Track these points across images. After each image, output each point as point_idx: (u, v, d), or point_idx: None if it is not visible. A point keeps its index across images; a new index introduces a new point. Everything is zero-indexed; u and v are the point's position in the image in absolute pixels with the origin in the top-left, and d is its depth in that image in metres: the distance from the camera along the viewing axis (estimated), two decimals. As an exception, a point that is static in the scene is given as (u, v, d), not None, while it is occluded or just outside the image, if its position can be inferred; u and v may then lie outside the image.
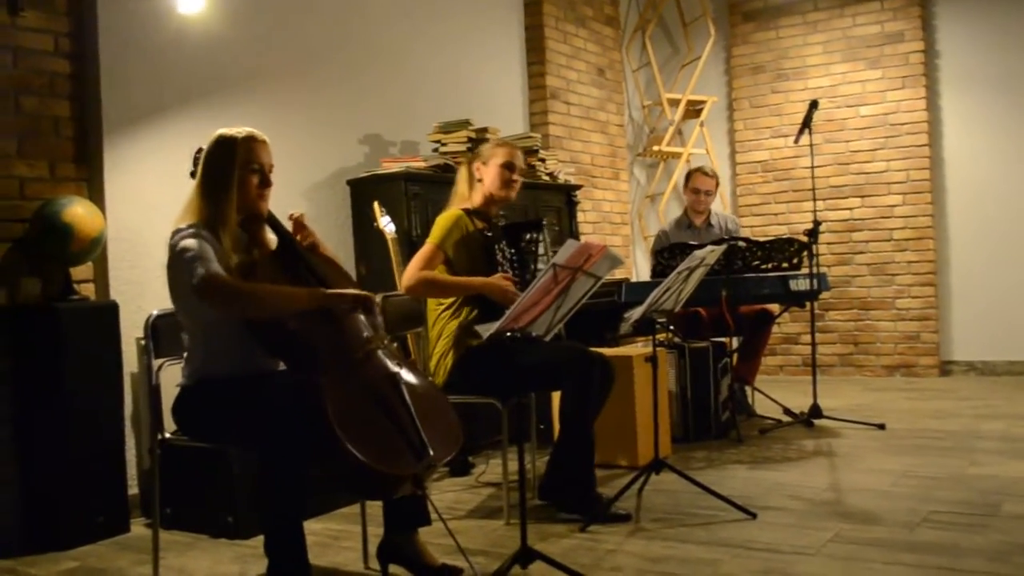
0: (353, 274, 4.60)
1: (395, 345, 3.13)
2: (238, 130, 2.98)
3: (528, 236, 3.96)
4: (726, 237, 5.40)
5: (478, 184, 3.96)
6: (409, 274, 3.74)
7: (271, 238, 3.04)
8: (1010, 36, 7.06)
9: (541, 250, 3.94)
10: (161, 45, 4.32)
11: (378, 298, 3.99)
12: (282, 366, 3.01)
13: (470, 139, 5.29)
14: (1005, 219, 7.11)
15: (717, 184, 6.18)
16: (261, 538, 3.52)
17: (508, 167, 3.93)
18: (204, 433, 3.00)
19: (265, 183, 2.99)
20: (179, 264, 2.81)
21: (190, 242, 2.79)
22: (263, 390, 2.81)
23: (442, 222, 3.84)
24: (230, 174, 2.92)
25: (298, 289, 2.86)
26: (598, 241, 3.05)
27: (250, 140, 2.97)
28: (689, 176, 6.16)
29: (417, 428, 2.70)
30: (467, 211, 3.90)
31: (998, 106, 7.13)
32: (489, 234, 3.85)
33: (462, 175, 4.05)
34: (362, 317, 2.97)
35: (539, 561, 2.96)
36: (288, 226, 3.05)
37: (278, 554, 2.66)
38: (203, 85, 4.51)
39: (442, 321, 3.85)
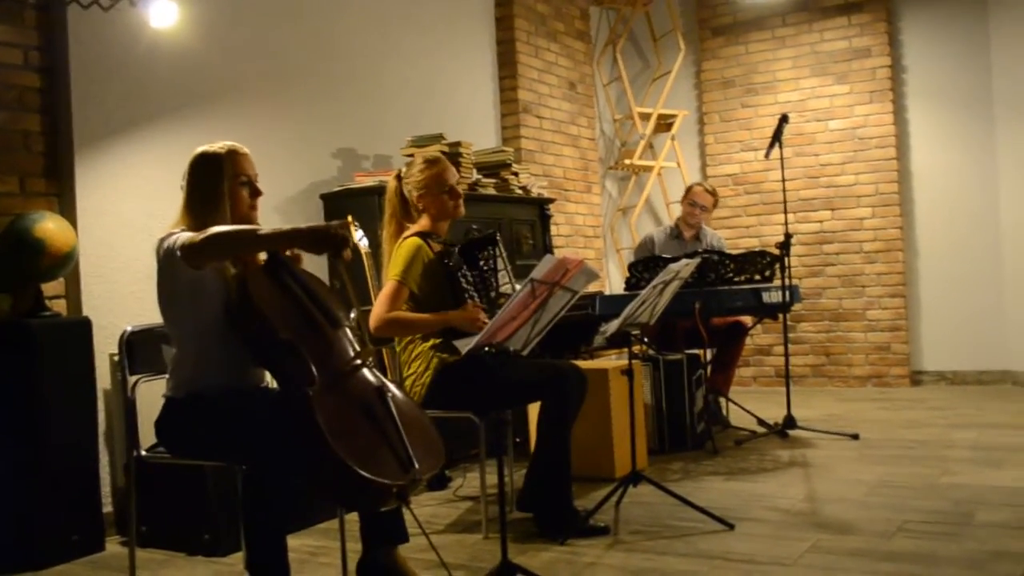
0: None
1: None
2: (220, 145, 3.00)
3: (484, 253, 3.82)
4: (701, 251, 5.43)
5: (423, 213, 3.84)
6: (376, 315, 3.63)
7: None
8: (974, 51, 7.17)
9: (499, 265, 3.84)
10: (133, 59, 4.30)
11: (353, 312, 4.01)
12: (268, 381, 3.00)
13: (443, 153, 5.29)
14: (972, 231, 7.21)
15: (715, 203, 6.23)
16: (237, 555, 3.54)
17: (450, 193, 3.83)
18: (189, 447, 2.96)
19: (255, 193, 3.01)
20: (170, 265, 2.79)
21: (175, 236, 2.79)
22: (252, 404, 2.80)
23: (403, 255, 3.71)
24: (219, 190, 2.93)
25: (265, 229, 2.85)
26: (573, 255, 3.05)
27: (234, 154, 2.99)
28: (689, 189, 6.24)
29: (404, 441, 2.71)
30: (423, 236, 3.78)
31: (964, 120, 7.24)
32: (450, 263, 3.71)
33: (392, 200, 3.88)
34: (349, 334, 2.98)
35: (520, 575, 2.95)
36: None
37: (261, 569, 2.64)
38: (176, 99, 4.48)
39: (413, 344, 3.79)
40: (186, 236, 2.74)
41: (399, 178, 3.91)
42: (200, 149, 3.01)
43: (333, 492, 2.77)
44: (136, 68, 4.31)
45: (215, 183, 2.93)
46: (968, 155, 7.23)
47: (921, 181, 7.42)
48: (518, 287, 2.94)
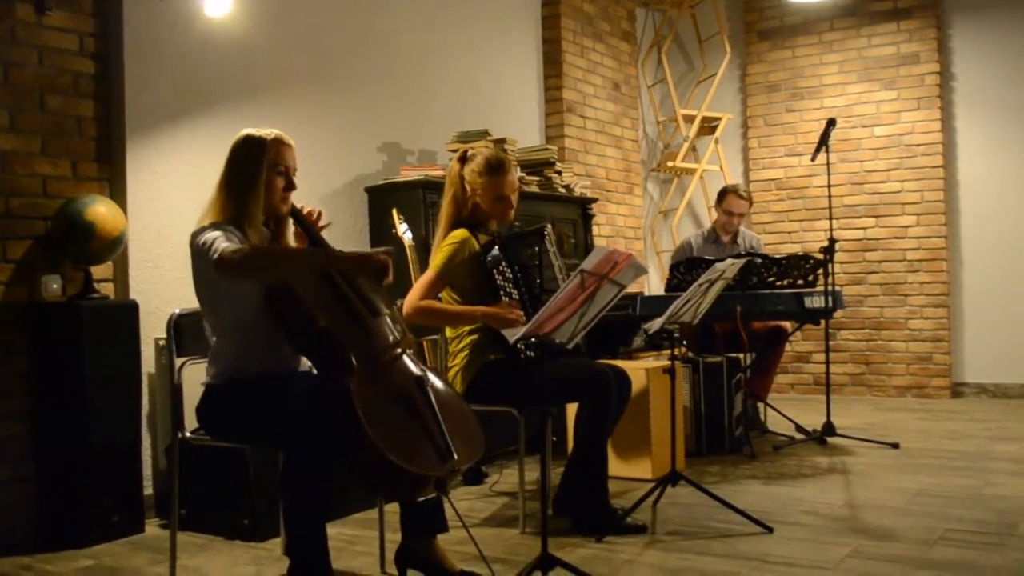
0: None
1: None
2: (267, 131, 3.00)
3: (530, 250, 3.79)
4: (744, 252, 5.39)
5: (476, 204, 3.80)
6: (409, 302, 3.65)
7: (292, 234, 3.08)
8: (1024, 60, 7.08)
9: (547, 261, 3.79)
10: (186, 47, 4.34)
11: (396, 304, 4.02)
12: (306, 366, 3.02)
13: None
14: (1018, 241, 7.11)
15: (750, 205, 6.14)
16: (276, 541, 3.56)
17: (501, 200, 3.78)
18: (230, 432, 2.99)
19: (289, 186, 3.01)
20: (202, 259, 2.81)
21: (209, 234, 2.78)
22: (291, 390, 2.82)
23: (447, 248, 3.69)
24: (258, 173, 2.93)
25: (308, 249, 2.91)
26: (624, 249, 3.03)
27: (279, 142, 2.99)
28: (723, 196, 6.07)
29: (443, 431, 2.71)
30: (471, 228, 3.76)
31: (1012, 128, 7.13)
32: (489, 259, 3.67)
33: (454, 181, 3.82)
34: (389, 321, 2.98)
35: (559, 568, 2.94)
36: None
37: (301, 555, 2.65)
38: (226, 89, 4.52)
39: (461, 335, 3.79)
40: (225, 247, 2.68)
41: (463, 160, 3.84)
42: (246, 131, 3.01)
43: (371, 481, 2.77)
44: (188, 57, 4.36)
45: (255, 167, 2.93)
46: (1016, 165, 7.12)
47: (967, 190, 7.32)
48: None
